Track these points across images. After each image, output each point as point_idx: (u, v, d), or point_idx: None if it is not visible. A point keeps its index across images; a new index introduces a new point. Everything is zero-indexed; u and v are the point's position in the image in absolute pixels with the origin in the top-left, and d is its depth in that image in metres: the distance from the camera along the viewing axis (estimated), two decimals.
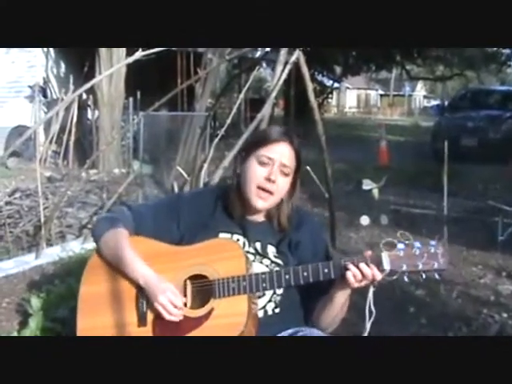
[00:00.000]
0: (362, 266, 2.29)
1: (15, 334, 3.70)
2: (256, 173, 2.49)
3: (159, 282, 2.40)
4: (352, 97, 60.34)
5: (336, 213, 5.71)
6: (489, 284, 5.52)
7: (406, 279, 2.31)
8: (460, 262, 6.14)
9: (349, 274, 2.30)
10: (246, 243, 2.56)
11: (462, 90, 23.99)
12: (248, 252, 2.50)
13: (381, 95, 63.01)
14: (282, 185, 2.51)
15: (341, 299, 2.43)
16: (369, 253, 2.33)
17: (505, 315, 4.61)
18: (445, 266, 2.29)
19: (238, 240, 2.54)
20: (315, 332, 2.46)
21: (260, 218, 2.60)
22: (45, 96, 15.97)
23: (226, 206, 2.60)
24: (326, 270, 2.34)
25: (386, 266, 2.29)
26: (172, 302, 2.37)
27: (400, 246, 2.31)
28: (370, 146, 16.21)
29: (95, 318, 2.51)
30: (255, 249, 2.55)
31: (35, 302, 3.79)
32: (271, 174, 2.47)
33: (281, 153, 2.49)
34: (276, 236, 2.59)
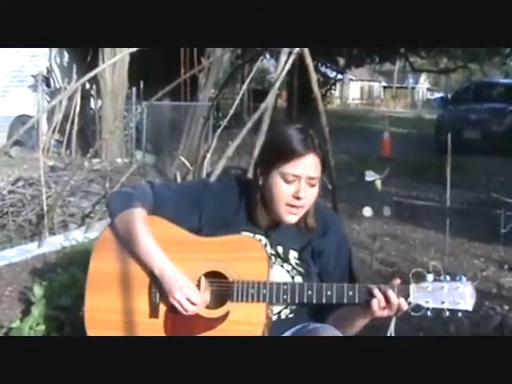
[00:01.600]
0: (389, 293, 2.22)
1: (18, 322, 3.71)
2: (283, 191, 2.35)
3: (176, 276, 2.32)
4: (355, 88, 60.20)
5: (339, 204, 5.69)
6: (491, 276, 5.51)
7: (429, 314, 2.25)
8: (462, 254, 6.14)
9: (373, 300, 2.23)
10: (268, 245, 2.45)
11: (466, 82, 23.97)
12: (269, 254, 2.41)
13: (384, 87, 62.85)
14: (311, 195, 2.39)
15: (359, 323, 2.39)
16: (397, 281, 2.27)
17: (506, 308, 4.61)
18: (470, 307, 2.23)
19: (260, 240, 2.44)
20: (326, 326, 2.39)
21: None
22: (48, 85, 15.94)
23: (251, 204, 2.48)
24: (350, 293, 2.27)
25: (413, 300, 2.23)
26: (189, 299, 2.29)
27: (429, 278, 2.24)
28: (373, 138, 16.17)
29: (104, 299, 2.43)
30: (277, 252, 2.46)
31: (38, 291, 3.79)
32: (299, 191, 2.33)
33: (307, 167, 2.33)
34: (300, 242, 2.49)
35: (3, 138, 13.42)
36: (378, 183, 5.72)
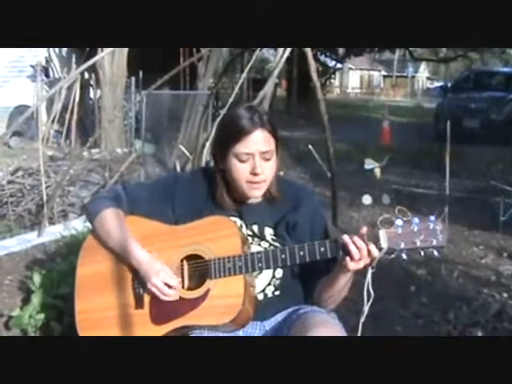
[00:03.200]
0: (357, 240, 2.25)
1: (18, 310, 3.71)
2: (240, 171, 2.43)
3: (152, 264, 2.39)
4: (355, 77, 60.08)
5: (338, 192, 5.71)
6: (490, 264, 5.53)
7: (404, 257, 2.27)
8: (461, 242, 6.15)
9: (346, 257, 2.26)
10: (243, 226, 2.52)
11: (466, 71, 23.89)
12: (246, 235, 2.48)
13: (384, 76, 62.68)
14: (270, 168, 2.45)
15: (342, 281, 2.40)
16: (365, 229, 2.29)
17: (505, 295, 4.62)
18: (443, 242, 2.25)
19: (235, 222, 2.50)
20: (316, 309, 2.45)
21: (256, 199, 2.54)
22: (47, 75, 15.90)
23: (216, 188, 2.54)
24: (322, 249, 2.31)
25: (384, 244, 2.25)
26: (166, 283, 2.36)
27: (398, 222, 2.26)
28: (373, 127, 16.17)
29: (92, 301, 2.52)
30: (252, 231, 2.52)
31: (37, 279, 3.80)
32: (255, 167, 2.40)
33: (257, 143, 2.40)
34: (273, 218, 2.54)
35: (2, 129, 13.42)
36: (377, 171, 5.74)
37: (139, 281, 2.44)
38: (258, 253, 2.37)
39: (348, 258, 2.26)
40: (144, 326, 2.41)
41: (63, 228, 5.52)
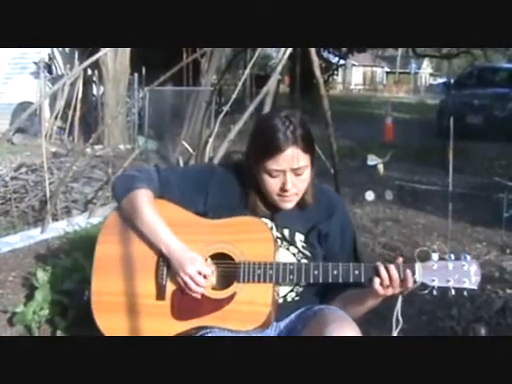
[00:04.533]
0: (392, 270, 2.23)
1: (22, 306, 3.72)
2: (270, 185, 2.36)
3: (186, 251, 2.34)
4: (358, 74, 60.06)
5: (341, 188, 5.69)
6: (493, 260, 5.51)
7: (434, 293, 2.25)
8: (464, 238, 6.15)
9: (375, 279, 2.25)
10: (274, 228, 2.46)
11: (469, 67, 23.81)
12: (276, 237, 2.42)
13: (387, 72, 62.62)
14: (302, 182, 2.38)
15: (369, 305, 2.40)
16: (400, 259, 2.27)
17: (509, 291, 4.61)
18: (475, 286, 2.24)
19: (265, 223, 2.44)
20: (332, 307, 2.43)
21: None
22: (50, 72, 15.91)
23: (248, 192, 2.48)
24: (356, 272, 2.28)
25: (419, 278, 2.24)
26: (201, 272, 2.31)
27: (435, 257, 2.25)
28: (376, 123, 16.15)
29: (110, 282, 2.44)
30: (283, 235, 2.47)
31: (41, 276, 3.80)
32: (285, 184, 2.33)
33: (289, 161, 2.30)
34: (305, 224, 2.49)
35: (6, 125, 13.42)
36: (380, 167, 5.73)
37: (164, 270, 2.38)
38: (291, 264, 2.33)
39: (378, 283, 2.25)
40: (162, 320, 2.36)
41: (66, 224, 5.52)
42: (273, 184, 2.36)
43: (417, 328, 3.97)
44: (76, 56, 14.11)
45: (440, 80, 50.10)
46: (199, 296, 2.33)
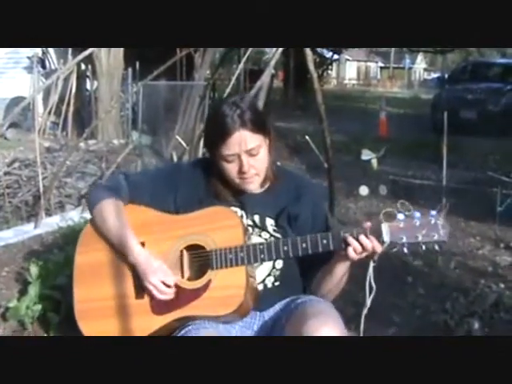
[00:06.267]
0: (362, 238, 2.27)
1: (15, 301, 3.71)
2: (229, 170, 2.43)
3: (150, 262, 2.39)
4: (352, 69, 60.07)
5: (335, 183, 5.70)
6: (487, 255, 5.53)
7: (405, 250, 2.28)
8: (458, 232, 6.16)
9: (349, 248, 2.27)
10: (244, 216, 2.50)
11: (463, 62, 23.87)
12: (247, 225, 2.47)
13: (381, 67, 62.76)
14: (259, 162, 2.43)
15: (340, 271, 2.41)
16: (368, 224, 2.29)
17: (502, 286, 4.62)
18: (445, 237, 2.26)
19: (235, 212, 2.49)
20: (314, 299, 2.45)
21: (257, 189, 2.52)
22: (43, 67, 15.88)
23: (212, 180, 2.53)
24: (324, 242, 2.31)
25: (386, 238, 2.26)
26: (164, 283, 2.36)
27: (400, 216, 2.27)
28: (370, 118, 16.18)
29: (92, 290, 2.51)
30: (253, 221, 2.51)
31: (34, 271, 3.79)
32: (242, 167, 2.39)
33: (239, 143, 2.37)
34: (275, 208, 2.53)
35: None
36: (374, 162, 5.75)
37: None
38: (261, 244, 2.37)
39: (350, 250, 2.27)
40: (144, 317, 2.40)
41: (60, 219, 5.51)
42: (230, 168, 2.42)
43: (410, 322, 3.98)
44: (69, 51, 14.03)
45: (434, 75, 50.22)
46: (169, 297, 2.38)
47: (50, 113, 14.23)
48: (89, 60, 12.94)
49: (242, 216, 2.49)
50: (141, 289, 2.43)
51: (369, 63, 61.91)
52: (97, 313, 2.48)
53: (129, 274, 2.46)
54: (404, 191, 7.88)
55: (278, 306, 2.49)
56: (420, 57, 61.70)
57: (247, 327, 2.48)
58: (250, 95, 2.52)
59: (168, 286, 2.37)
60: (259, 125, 2.42)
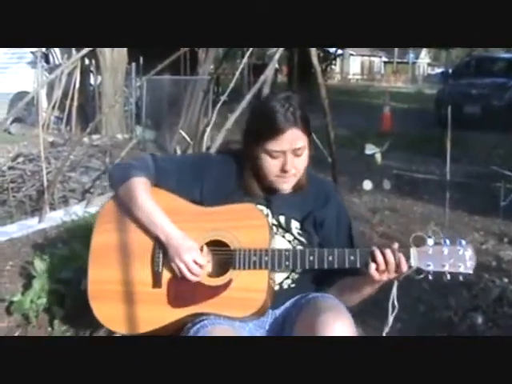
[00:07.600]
0: (388, 254, 2.24)
1: (19, 295, 3.72)
2: (270, 166, 2.37)
3: (183, 238, 2.34)
4: (356, 64, 59.93)
5: (339, 177, 5.70)
6: (490, 250, 5.52)
7: (430, 278, 2.26)
8: (462, 227, 6.15)
9: (372, 265, 2.25)
10: (270, 214, 2.46)
11: (467, 57, 23.78)
12: (271, 224, 2.42)
13: (385, 62, 62.63)
14: (301, 163, 2.40)
15: (366, 292, 2.41)
16: (396, 245, 2.27)
17: (506, 280, 4.62)
18: (471, 270, 2.25)
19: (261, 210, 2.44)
20: (325, 295, 2.43)
21: (290, 189, 2.48)
22: (47, 62, 15.89)
23: (244, 176, 2.48)
24: (351, 258, 2.29)
25: (414, 263, 2.24)
26: (196, 261, 2.31)
27: (430, 242, 2.26)
28: (374, 113, 16.15)
29: (107, 271, 2.44)
30: (278, 221, 2.47)
31: (39, 265, 3.80)
32: (286, 165, 2.34)
33: (290, 141, 2.32)
34: (301, 212, 2.49)
35: (3, 115, 13.41)
36: (378, 156, 5.74)
37: (160, 257, 2.38)
38: (287, 250, 2.33)
39: (374, 269, 2.25)
40: (159, 307, 2.35)
41: (64, 213, 5.52)
42: (273, 165, 2.36)
43: (414, 317, 3.98)
44: None
45: (438, 70, 50.13)
46: (196, 279, 2.33)
47: (53, 107, 14.25)
48: (93, 55, 12.95)
49: (267, 215, 2.44)
50: (159, 277, 2.37)
51: (373, 58, 61.80)
52: (110, 295, 2.42)
53: (148, 258, 2.40)
54: (408, 186, 7.90)
55: (288, 303, 2.47)
56: (424, 52, 61.63)
57: (260, 325, 2.46)
58: (297, 94, 2.46)
59: (200, 267, 2.32)
60: (308, 125, 2.39)
